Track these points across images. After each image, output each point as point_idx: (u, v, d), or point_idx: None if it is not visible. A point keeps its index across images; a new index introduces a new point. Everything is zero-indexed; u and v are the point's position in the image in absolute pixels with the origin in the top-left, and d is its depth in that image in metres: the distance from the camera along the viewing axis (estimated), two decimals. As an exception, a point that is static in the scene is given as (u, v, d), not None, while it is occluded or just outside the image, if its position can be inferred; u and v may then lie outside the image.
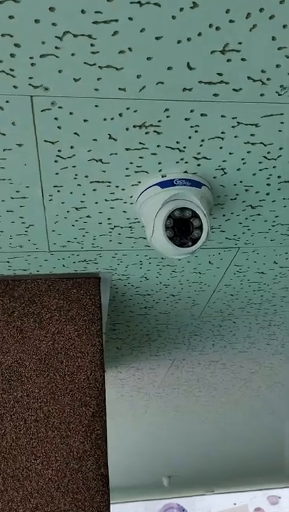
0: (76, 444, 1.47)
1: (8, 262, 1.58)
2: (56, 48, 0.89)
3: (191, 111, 1.06)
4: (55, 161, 1.16)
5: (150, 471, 6.18)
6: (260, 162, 1.23)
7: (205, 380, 3.32)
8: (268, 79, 1.00)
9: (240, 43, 0.92)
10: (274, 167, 1.26)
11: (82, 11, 0.83)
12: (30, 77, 0.95)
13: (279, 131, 1.14)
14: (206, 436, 4.94)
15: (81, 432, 1.49)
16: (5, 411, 1.50)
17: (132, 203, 1.34)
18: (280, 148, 1.19)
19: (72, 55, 0.90)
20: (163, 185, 1.23)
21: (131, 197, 1.32)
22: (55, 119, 1.04)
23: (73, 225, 1.42)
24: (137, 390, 3.37)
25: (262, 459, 5.95)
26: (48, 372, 1.56)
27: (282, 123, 1.11)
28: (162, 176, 1.24)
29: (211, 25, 0.88)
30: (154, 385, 3.30)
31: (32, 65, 0.92)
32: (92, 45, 0.89)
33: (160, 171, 1.23)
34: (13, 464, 1.43)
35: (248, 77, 0.99)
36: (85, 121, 1.05)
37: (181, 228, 1.25)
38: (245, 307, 2.14)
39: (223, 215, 1.45)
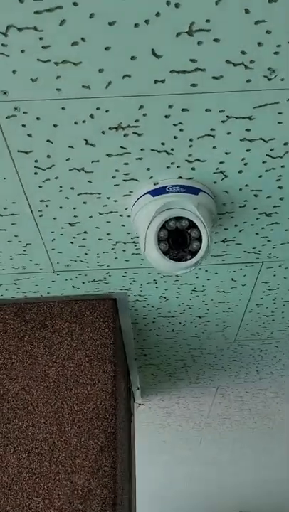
0: (81, 482, 1.35)
1: (15, 283, 1.52)
2: (3, 45, 0.82)
3: (170, 106, 0.94)
4: (35, 173, 1.09)
5: (219, 504, 5.82)
6: (264, 162, 1.08)
7: (258, 410, 3.07)
8: (251, 61, 0.86)
9: (208, 21, 0.79)
10: (282, 166, 1.09)
11: (20, 0, 0.75)
12: (-15, 82, 0.88)
13: (279, 123, 0.98)
14: (272, 470, 4.58)
15: (87, 468, 1.36)
16: (8, 442, 1.41)
17: (128, 216, 1.23)
18: (285, 144, 1.03)
19: (22, 51, 0.83)
20: (154, 193, 1.11)
21: (126, 209, 1.21)
22: (23, 126, 0.97)
23: (72, 242, 1.33)
24: (185, 419, 3.18)
25: None
26: (56, 401, 1.46)
27: (280, 113, 0.96)
28: (154, 184, 1.12)
29: (168, 3, 0.76)
30: (202, 415, 3.10)
31: (-17, 67, 0.85)
32: (40, 38, 0.81)
33: (151, 177, 1.11)
34: (14, 501, 1.33)
35: (227, 61, 0.86)
36: (55, 126, 0.97)
37: (178, 241, 1.12)
38: (286, 329, 1.93)
39: (235, 225, 1.29)
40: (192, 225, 1.12)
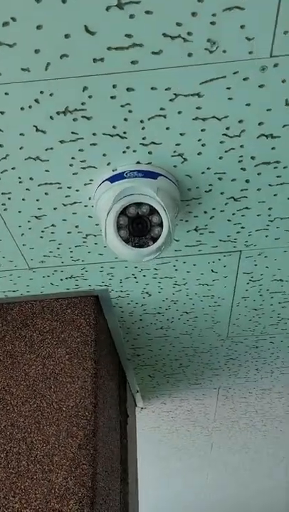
0: (58, 481, 1.32)
1: (-7, 283, 1.52)
2: None
3: (114, 86, 0.92)
4: (-9, 164, 1.08)
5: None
6: (221, 142, 1.05)
7: (265, 412, 2.99)
8: (188, 33, 0.84)
9: (136, -8, 0.78)
10: (241, 146, 1.06)
11: None
12: None
13: (229, 99, 0.96)
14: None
15: (65, 466, 1.33)
16: (-13, 442, 1.39)
17: (93, 206, 1.21)
18: (240, 121, 1.01)
19: None
20: (113, 179, 1.09)
21: (90, 198, 1.19)
22: None
23: (42, 237, 1.32)
24: (192, 424, 3.12)
25: None
26: (35, 400, 1.44)
27: (228, 88, 0.93)
28: (113, 170, 1.10)
29: (92, -25, 0.75)
30: (208, 418, 3.03)
31: None
32: None
33: (109, 164, 1.09)
34: (-10, 501, 1.30)
35: (164, 35, 0.84)
36: (1, 113, 0.96)
37: (138, 227, 1.10)
38: (278, 324, 1.88)
39: (205, 212, 1.26)
40: (153, 210, 1.09)
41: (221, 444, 3.55)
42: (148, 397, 2.63)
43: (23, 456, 1.36)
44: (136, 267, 1.48)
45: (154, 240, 1.10)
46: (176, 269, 1.51)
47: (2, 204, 1.20)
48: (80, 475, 1.32)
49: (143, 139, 1.03)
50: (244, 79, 0.92)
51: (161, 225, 1.10)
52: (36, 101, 0.94)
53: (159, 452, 3.61)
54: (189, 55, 0.87)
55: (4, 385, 1.48)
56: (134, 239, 1.10)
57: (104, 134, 1.02)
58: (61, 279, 1.52)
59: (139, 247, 1.10)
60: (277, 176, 1.15)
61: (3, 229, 1.28)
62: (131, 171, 1.08)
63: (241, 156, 1.09)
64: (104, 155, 1.07)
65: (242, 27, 0.83)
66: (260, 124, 1.01)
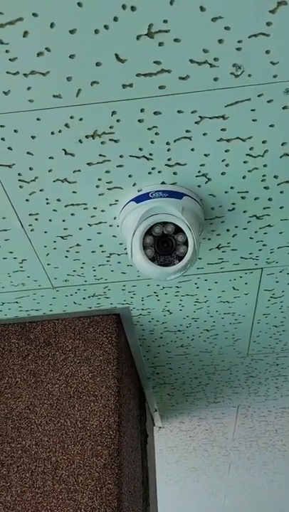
0: (84, 500, 1.31)
1: (17, 302, 1.54)
2: (-28, 60, 0.85)
3: (142, 110, 0.95)
4: (20, 187, 1.11)
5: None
6: (245, 162, 1.07)
7: (285, 431, 2.95)
8: (215, 59, 0.87)
9: (165, 22, 0.81)
10: (265, 166, 1.08)
11: (-17, 16, 0.79)
12: None
13: (253, 120, 0.98)
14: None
15: (90, 486, 1.33)
16: (12, 461, 1.40)
17: (118, 225, 1.24)
18: (264, 142, 1.03)
19: (-9, 65, 0.86)
20: (138, 200, 1.12)
21: (114, 218, 1.22)
22: (2, 139, 1.00)
23: (66, 256, 1.35)
24: (210, 443, 3.08)
25: None
26: (59, 419, 1.45)
27: (253, 110, 0.96)
28: (138, 191, 1.13)
29: (124, 6, 0.79)
30: (227, 438, 3.00)
31: None
32: (7, 51, 0.84)
33: (134, 185, 1.12)
34: (16, 521, 1.30)
35: (191, 61, 0.87)
36: (33, 137, 1.00)
37: (164, 246, 1.12)
38: (299, 341, 1.87)
39: (227, 230, 1.28)
40: (178, 229, 1.11)
41: (240, 464, 3.50)
42: (166, 416, 2.62)
43: (49, 475, 1.36)
44: (158, 285, 1.50)
45: (180, 258, 1.12)
46: (197, 287, 1.52)
47: (29, 225, 1.23)
48: (105, 495, 1.32)
49: (168, 160, 1.06)
50: (268, 101, 0.94)
51: (186, 243, 1.11)
52: (66, 125, 0.98)
53: (176, 472, 3.57)
54: (215, 79, 0.90)
55: (28, 403, 1.49)
56: (159, 257, 1.12)
57: (130, 155, 1.05)
58: (84, 298, 1.54)
59: (165, 266, 1.12)
60: (300, 194, 1.17)
61: (29, 249, 1.31)
62: (156, 191, 1.11)
63: (264, 176, 1.11)
64: (130, 176, 1.10)
65: (267, 52, 0.86)
66: (283, 144, 1.03)
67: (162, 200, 1.10)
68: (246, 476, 3.82)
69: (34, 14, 0.79)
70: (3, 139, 1.00)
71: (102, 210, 1.19)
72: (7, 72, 0.87)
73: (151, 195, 1.11)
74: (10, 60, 0.85)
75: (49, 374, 1.54)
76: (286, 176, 1.11)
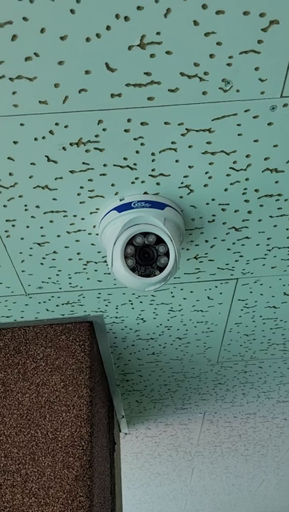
0: (55, 513, 1.28)
1: (-13, 308, 1.49)
2: None
3: (129, 120, 0.94)
4: (-1, 192, 1.08)
5: None
6: (227, 175, 1.08)
7: (248, 436, 2.99)
8: (205, 73, 0.87)
9: (158, 33, 0.80)
10: (246, 179, 1.09)
11: None
12: None
13: (238, 135, 0.99)
14: (271, 501, 4.44)
15: (61, 499, 1.30)
16: (-20, 474, 1.35)
17: (97, 234, 1.22)
18: (247, 156, 1.04)
19: (-24, 68, 0.83)
20: (120, 209, 1.10)
21: (94, 226, 1.20)
22: (-17, 143, 0.96)
23: (42, 264, 1.32)
24: (175, 448, 3.09)
25: None
26: (29, 429, 1.41)
27: (238, 125, 0.97)
28: (120, 200, 1.12)
29: (117, 16, 0.77)
30: (192, 443, 3.02)
31: None
32: (-7, 54, 0.81)
33: (116, 194, 1.10)
34: (-16, 537, 1.26)
35: (182, 74, 0.87)
36: (15, 143, 0.97)
37: (145, 256, 1.11)
38: (268, 349, 1.90)
39: (206, 241, 1.29)
40: (159, 240, 1.11)
41: (203, 468, 3.53)
42: (133, 423, 2.61)
43: (18, 488, 1.32)
44: (133, 294, 1.49)
45: (160, 269, 1.11)
46: (173, 296, 1.52)
47: (5, 231, 1.19)
48: (77, 507, 1.29)
49: (152, 170, 1.05)
50: (254, 117, 0.95)
51: (167, 254, 1.11)
52: (51, 132, 0.95)
53: (139, 478, 3.56)
54: (204, 93, 0.90)
55: (-3, 414, 1.44)
56: (140, 268, 1.11)
57: (114, 165, 1.03)
58: (57, 305, 1.51)
59: (145, 276, 1.11)
60: (279, 208, 1.19)
61: (4, 255, 1.27)
62: (139, 201, 1.10)
63: (246, 189, 1.12)
64: (112, 185, 1.08)
65: (256, 69, 0.87)
66: (265, 159, 1.05)
67: (145, 210, 1.09)
68: (208, 481, 3.86)
69: (24, 18, 0.77)
70: (-17, 143, 0.96)
71: (82, 218, 1.17)
72: (-8, 76, 0.84)
73: (134, 204, 1.10)
74: (-4, 63, 0.82)
75: (19, 383, 1.50)
76: (266, 189, 1.13)
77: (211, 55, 0.84)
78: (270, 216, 1.21)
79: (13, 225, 1.17)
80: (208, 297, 1.54)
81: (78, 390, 1.47)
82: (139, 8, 0.76)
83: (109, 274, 1.38)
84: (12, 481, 1.33)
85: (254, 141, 1.00)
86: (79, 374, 1.50)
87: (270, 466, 3.58)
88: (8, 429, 1.41)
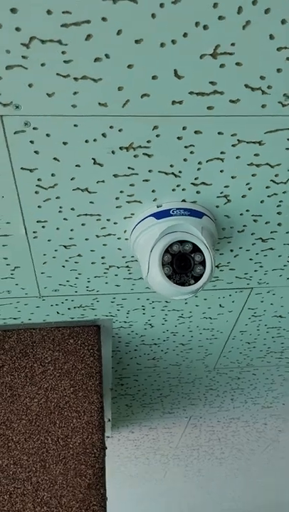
0: (69, 523, 1.25)
1: (-4, 309, 1.44)
2: (23, 57, 0.78)
3: (184, 128, 0.93)
4: (36, 192, 1.04)
5: None
6: (267, 187, 1.09)
7: (227, 441, 3.03)
8: (268, 87, 0.87)
9: (233, 44, 0.80)
10: (284, 192, 1.11)
11: (49, 12, 0.73)
12: (-3, 94, 0.84)
13: (286, 149, 1.00)
14: (237, 503, 4.52)
15: (74, 508, 1.27)
16: (-12, 482, 1.30)
17: (126, 239, 1.20)
18: (290, 170, 1.05)
19: (42, 65, 0.80)
20: (158, 216, 1.09)
21: (125, 231, 1.18)
22: (31, 142, 0.93)
23: (64, 266, 1.28)
24: (153, 452, 3.09)
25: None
26: (39, 436, 1.37)
27: (288, 139, 0.98)
28: (158, 206, 1.10)
29: (197, 24, 0.76)
30: (171, 446, 3.03)
31: (-2, 78, 0.81)
32: (63, 52, 0.78)
33: (155, 200, 1.09)
34: None
35: (246, 86, 0.87)
36: (64, 144, 0.94)
37: (181, 265, 1.10)
38: (265, 356, 1.93)
39: (231, 251, 1.29)
40: (195, 249, 1.10)
41: (176, 471, 3.55)
42: (117, 426, 2.59)
43: (29, 497, 1.28)
44: (148, 299, 1.48)
45: (195, 278, 1.10)
46: (186, 303, 1.52)
47: (33, 232, 1.15)
48: (91, 516, 1.27)
49: (195, 179, 1.05)
50: (305, 132, 0.96)
51: (202, 263, 1.11)
52: (103, 135, 0.93)
53: (113, 479, 3.54)
54: (263, 106, 0.91)
55: (4, 419, 1.40)
56: (175, 276, 1.10)
57: (160, 171, 1.02)
58: (68, 308, 1.48)
59: (180, 285, 1.10)
60: (307, 222, 1.21)
61: (26, 256, 1.23)
62: (177, 209, 1.09)
63: (281, 201, 1.13)
64: (153, 191, 1.07)
65: None
66: (307, 173, 1.06)
67: (183, 218, 1.09)
68: (179, 483, 3.88)
69: (104, 19, 0.74)
70: (31, 142, 0.93)
71: (115, 223, 1.15)
72: (57, 74, 0.81)
73: (173, 212, 1.09)
74: (64, 61, 0.79)
75: (27, 387, 1.45)
76: (300, 203, 1.14)
77: (279, 70, 0.84)
78: (298, 229, 1.23)
79: (43, 227, 1.14)
80: (220, 305, 1.55)
81: (89, 395, 1.44)
82: (220, 17, 0.76)
83: (129, 279, 1.36)
84: (22, 489, 1.29)
85: (300, 156, 1.01)
86: (89, 379, 1.47)
87: (242, 468, 3.64)
88: (16, 436, 1.37)
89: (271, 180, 1.07)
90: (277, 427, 2.86)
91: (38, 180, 1.01)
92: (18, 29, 0.75)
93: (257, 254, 1.32)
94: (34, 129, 0.90)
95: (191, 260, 1.10)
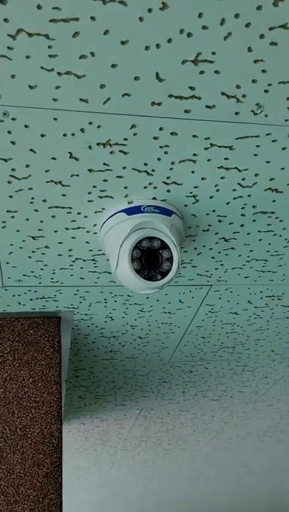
0: None
1: None
2: (9, 48, 0.79)
3: (161, 129, 0.96)
4: (9, 182, 1.04)
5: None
6: (234, 190, 1.14)
7: (175, 432, 3.12)
8: (243, 95, 0.92)
9: (213, 53, 0.84)
10: (249, 196, 1.17)
11: (38, 6, 0.74)
12: (-22, 82, 0.83)
13: (254, 155, 1.05)
14: (177, 492, 4.65)
15: (32, 496, 1.28)
16: None
17: (95, 233, 1.22)
18: (256, 175, 1.11)
19: (27, 57, 0.80)
20: (130, 211, 1.12)
21: (94, 225, 1.20)
22: (8, 132, 0.93)
23: (30, 257, 1.28)
24: (102, 443, 3.13)
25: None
26: (-3, 425, 1.37)
27: (257, 146, 1.03)
28: (128, 202, 1.13)
29: (182, 31, 0.80)
30: (120, 438, 3.07)
31: (-19, 67, 0.81)
32: (49, 46, 0.79)
33: (126, 196, 1.12)
34: None
35: (222, 93, 0.91)
36: (42, 136, 0.94)
37: (150, 260, 1.13)
38: (218, 351, 2.01)
39: (195, 249, 1.34)
40: (163, 245, 1.14)
41: (123, 462, 3.61)
42: (68, 418, 2.60)
43: (-14, 486, 1.28)
44: (111, 292, 1.50)
45: (162, 274, 1.14)
46: (147, 297, 1.56)
47: (2, 221, 1.15)
48: (48, 505, 1.28)
49: (167, 178, 1.08)
50: (273, 140, 1.02)
51: (169, 259, 1.15)
52: (82, 130, 0.94)
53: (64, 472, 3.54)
54: (236, 113, 0.95)
55: None
56: (143, 271, 1.13)
57: (133, 168, 1.05)
58: (31, 299, 1.48)
59: (148, 279, 1.13)
60: (268, 224, 1.28)
61: (-7, 246, 1.22)
62: (148, 206, 1.12)
63: (245, 204, 1.19)
64: (125, 187, 1.09)
65: (288, 98, 0.93)
66: (271, 179, 1.12)
67: (153, 215, 1.12)
68: (124, 474, 3.94)
69: (92, 18, 0.76)
70: (9, 132, 0.93)
71: (86, 216, 1.16)
72: (41, 67, 0.82)
73: (144, 208, 1.12)
74: (50, 56, 0.80)
75: (-15, 377, 1.44)
76: (263, 207, 1.21)
77: (254, 81, 0.89)
78: (259, 231, 1.30)
79: (12, 217, 1.14)
80: (180, 300, 1.60)
81: (48, 386, 1.45)
82: (204, 27, 0.79)
83: (94, 272, 1.38)
84: (-21, 479, 1.29)
85: (266, 162, 1.07)
86: (48, 370, 1.48)
87: (186, 459, 3.75)
88: (-27, 425, 1.36)
89: (238, 184, 1.13)
90: (223, 419, 2.97)
91: (12, 170, 1.01)
92: (6, 20, 0.75)
93: (219, 252, 1.37)
94: (13, 119, 0.90)
95: (159, 256, 1.14)
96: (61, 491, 1.32)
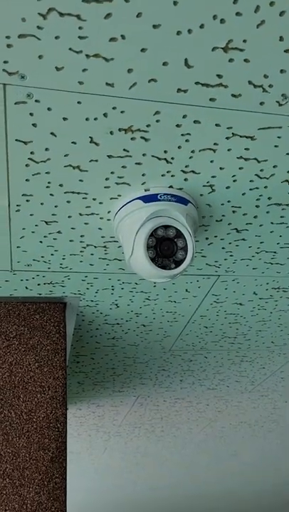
0: (30, 495, 1.27)
1: None
2: (38, 27, 0.77)
3: (184, 116, 0.95)
4: (27, 165, 1.02)
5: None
6: (251, 180, 1.14)
7: (169, 420, 3.14)
8: (270, 85, 0.91)
9: (245, 41, 0.82)
10: (265, 187, 1.16)
11: (72, -15, 0.72)
12: (4, 61, 0.82)
13: (275, 146, 1.05)
14: (168, 479, 4.70)
15: (37, 480, 1.29)
16: None
17: (108, 219, 1.21)
18: (274, 167, 1.10)
19: (57, 38, 0.79)
20: (146, 199, 1.11)
21: (108, 212, 1.19)
22: (31, 114, 0.91)
23: (41, 242, 1.27)
24: (96, 428, 3.15)
25: (226, 504, 5.72)
26: (2, 409, 1.37)
27: (279, 137, 1.03)
28: (145, 190, 1.12)
29: (215, 17, 0.78)
30: (114, 424, 3.09)
31: (8, 46, 0.79)
32: (80, 27, 0.77)
33: (143, 183, 1.11)
34: None
35: (249, 82, 0.90)
36: (64, 119, 0.93)
37: (164, 249, 1.13)
38: (219, 341, 2.02)
39: (206, 238, 1.34)
40: (179, 234, 1.13)
41: (115, 448, 3.64)
42: (67, 403, 2.61)
43: (-9, 469, 1.29)
44: (118, 280, 1.50)
45: (176, 262, 1.14)
46: (154, 286, 1.56)
47: (17, 205, 1.13)
48: (53, 489, 1.29)
49: (186, 166, 1.08)
50: (295, 132, 1.02)
51: (184, 249, 1.14)
52: (105, 115, 0.93)
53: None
54: (261, 103, 0.94)
55: None
56: (158, 259, 1.13)
57: (153, 156, 1.04)
58: (38, 284, 1.47)
59: (162, 268, 1.13)
60: (281, 217, 1.27)
61: (4, 229, 1.21)
62: (165, 194, 1.11)
63: (261, 195, 1.19)
64: (143, 175, 1.08)
65: (313, 90, 0.93)
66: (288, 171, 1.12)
67: (170, 203, 1.11)
68: (116, 460, 3.98)
69: (126, 0, 0.74)
70: (31, 114, 0.91)
71: (100, 203, 1.15)
72: (70, 49, 0.80)
73: (160, 197, 1.11)
74: (79, 37, 0.79)
75: (-10, 361, 1.44)
76: (278, 199, 1.21)
77: (282, 71, 0.88)
78: (271, 223, 1.30)
79: (27, 200, 1.12)
80: (186, 290, 1.60)
81: (54, 371, 1.45)
82: (238, 14, 0.78)
83: (104, 259, 1.38)
84: (-16, 461, 1.29)
85: (286, 153, 1.07)
86: (54, 355, 1.48)
87: (178, 446, 3.79)
88: (-21, 409, 1.36)
89: (256, 175, 1.12)
90: (217, 408, 3.00)
91: (31, 153, 1.00)
92: (38, -2, 0.73)
93: (230, 243, 1.37)
94: (36, 101, 0.89)
95: (174, 245, 1.13)
96: (66, 475, 1.33)
